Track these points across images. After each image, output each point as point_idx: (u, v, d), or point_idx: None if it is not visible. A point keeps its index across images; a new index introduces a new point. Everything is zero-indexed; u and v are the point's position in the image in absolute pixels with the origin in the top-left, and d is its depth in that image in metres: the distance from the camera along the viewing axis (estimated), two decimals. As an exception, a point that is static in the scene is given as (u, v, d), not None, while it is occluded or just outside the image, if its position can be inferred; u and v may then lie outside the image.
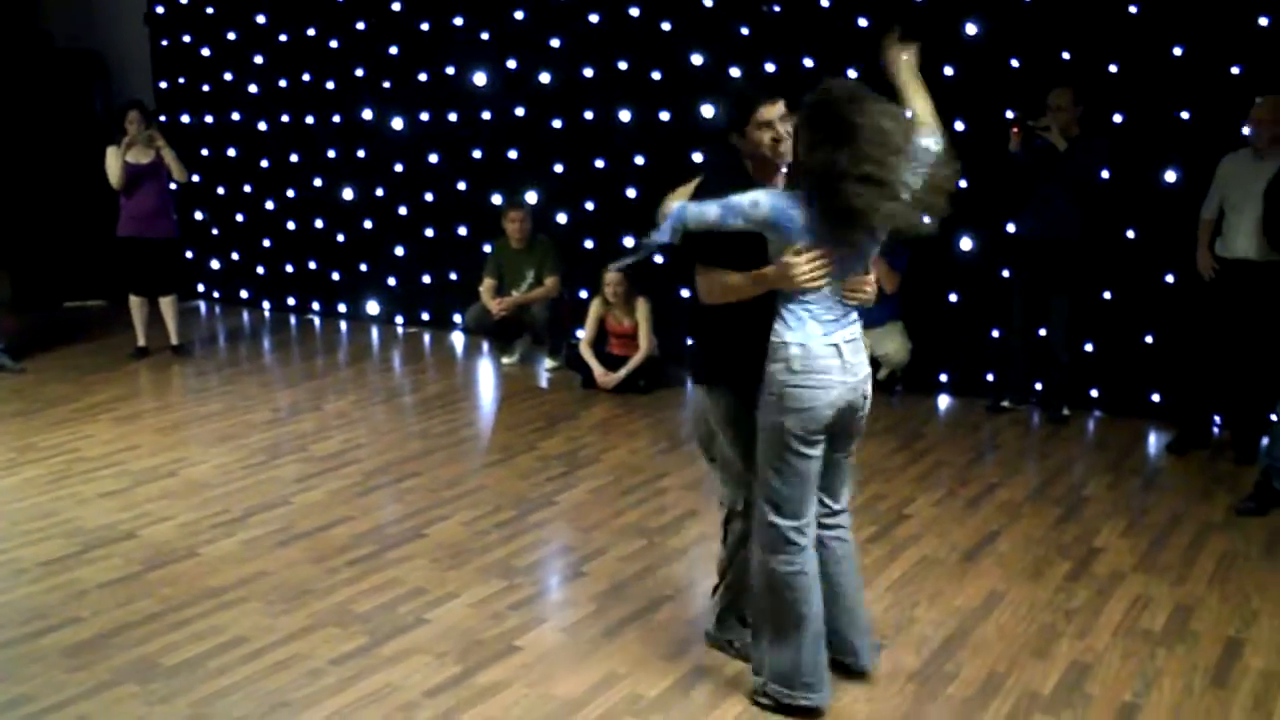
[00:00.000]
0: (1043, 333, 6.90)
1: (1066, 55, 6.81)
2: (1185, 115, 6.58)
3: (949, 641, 4.10)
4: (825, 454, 3.59)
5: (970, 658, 3.99)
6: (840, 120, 3.39)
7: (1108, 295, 6.94)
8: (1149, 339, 6.87)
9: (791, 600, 3.56)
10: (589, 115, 8.39)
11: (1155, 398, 6.90)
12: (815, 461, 3.55)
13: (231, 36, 9.98)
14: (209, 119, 10.28)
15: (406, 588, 4.57)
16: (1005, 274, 7.14)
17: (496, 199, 8.77)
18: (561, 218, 8.61)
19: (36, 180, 10.13)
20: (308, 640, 4.12)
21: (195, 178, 9.78)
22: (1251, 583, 4.62)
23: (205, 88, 10.23)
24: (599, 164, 8.42)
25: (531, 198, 8.58)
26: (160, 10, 10.35)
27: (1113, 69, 6.73)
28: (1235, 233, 5.93)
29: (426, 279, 9.48)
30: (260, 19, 9.79)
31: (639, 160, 8.23)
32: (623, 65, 8.18)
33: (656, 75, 8.06)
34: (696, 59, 7.87)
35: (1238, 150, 6.04)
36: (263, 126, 9.98)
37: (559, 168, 8.61)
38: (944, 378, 7.49)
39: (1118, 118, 6.75)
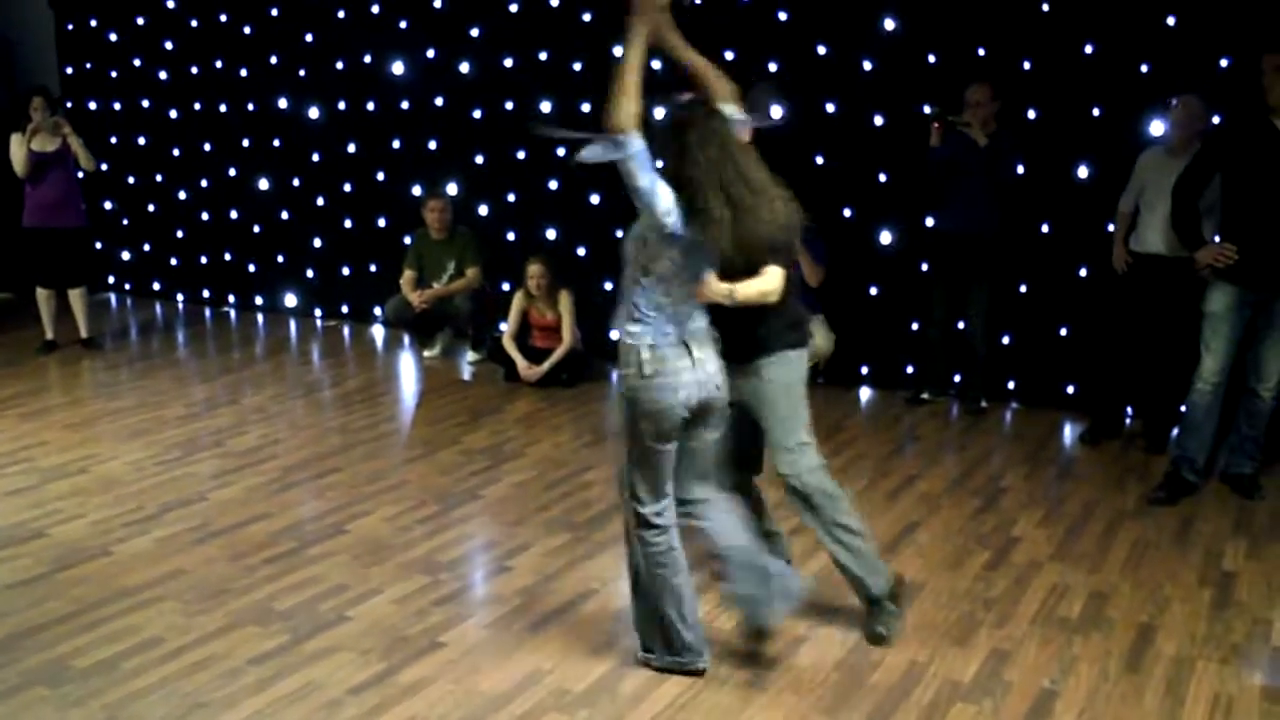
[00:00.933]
0: (961, 326, 7.02)
1: (982, 51, 6.92)
2: (1097, 112, 6.72)
3: (872, 631, 4.15)
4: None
5: (892, 647, 4.03)
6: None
7: (1024, 288, 7.07)
8: (1063, 331, 7.01)
9: (664, 576, 3.74)
10: (509, 105, 8.33)
11: (1070, 389, 7.05)
12: (670, 454, 3.66)
13: (140, 21, 9.73)
14: (117, 106, 10.02)
15: (328, 585, 4.50)
16: (924, 267, 7.24)
17: (416, 190, 8.67)
18: (483, 209, 8.54)
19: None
20: (226, 639, 4.04)
21: (103, 166, 9.54)
22: (1163, 570, 4.74)
23: (113, 73, 9.96)
24: (520, 155, 8.36)
25: (452, 189, 8.50)
26: (66, -8, 10.06)
27: (1026, 65, 6.86)
28: (1147, 228, 6.09)
29: (345, 271, 9.34)
30: (170, 3, 9.55)
31: (560, 151, 8.18)
32: (543, 56, 8.14)
33: (577, 66, 8.03)
34: (617, 50, 7.82)
35: (1156, 146, 6.19)
36: (174, 114, 9.75)
37: (479, 158, 8.53)
38: (864, 370, 7.57)
39: (1032, 114, 6.88)
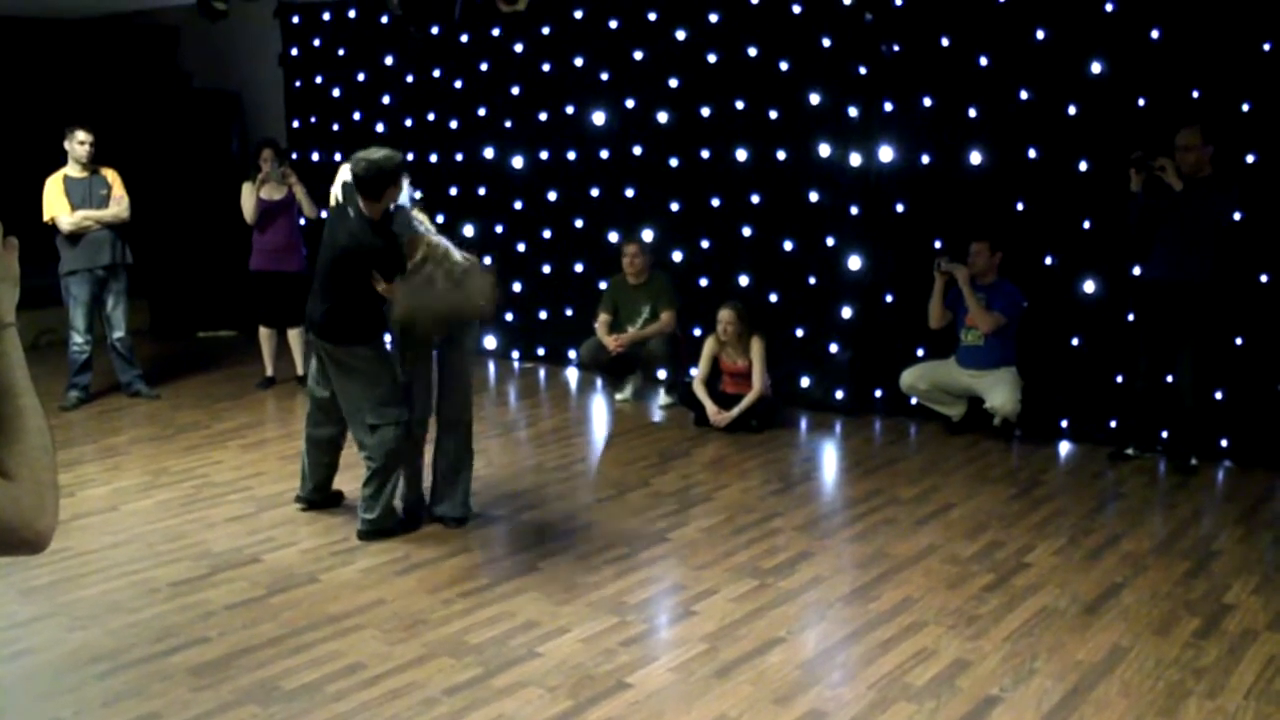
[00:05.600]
0: (1169, 379, 6.70)
1: (1196, 94, 6.65)
2: (1324, 156, 6.37)
3: (1070, 696, 3.98)
4: None
5: (1093, 714, 3.86)
6: None
7: (1239, 341, 6.71)
8: (1283, 388, 6.62)
9: None
10: (706, 154, 8.45)
11: (1290, 449, 6.63)
12: None
13: (361, 77, 10.31)
14: (338, 157, 10.60)
15: (519, 620, 4.62)
16: (1131, 318, 6.97)
17: (613, 236, 8.87)
18: (677, 256, 8.67)
19: (175, 214, 10.57)
20: (423, 669, 4.19)
21: (323, 214, 10.08)
22: (1395, 646, 4.40)
23: (335, 127, 10.57)
24: (715, 202, 8.46)
25: (648, 235, 8.66)
26: (294, 52, 10.76)
27: (1245, 108, 6.55)
28: None
29: (543, 315, 9.61)
30: (389, 60, 10.10)
31: (755, 199, 8.25)
32: (740, 104, 8.23)
33: (774, 114, 8.09)
34: (814, 98, 7.88)
35: None
36: (388, 164, 10.24)
37: (675, 206, 8.67)
38: (1064, 424, 7.31)
39: (1250, 158, 6.56)
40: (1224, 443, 6.82)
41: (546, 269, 9.51)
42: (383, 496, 5.54)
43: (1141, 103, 6.84)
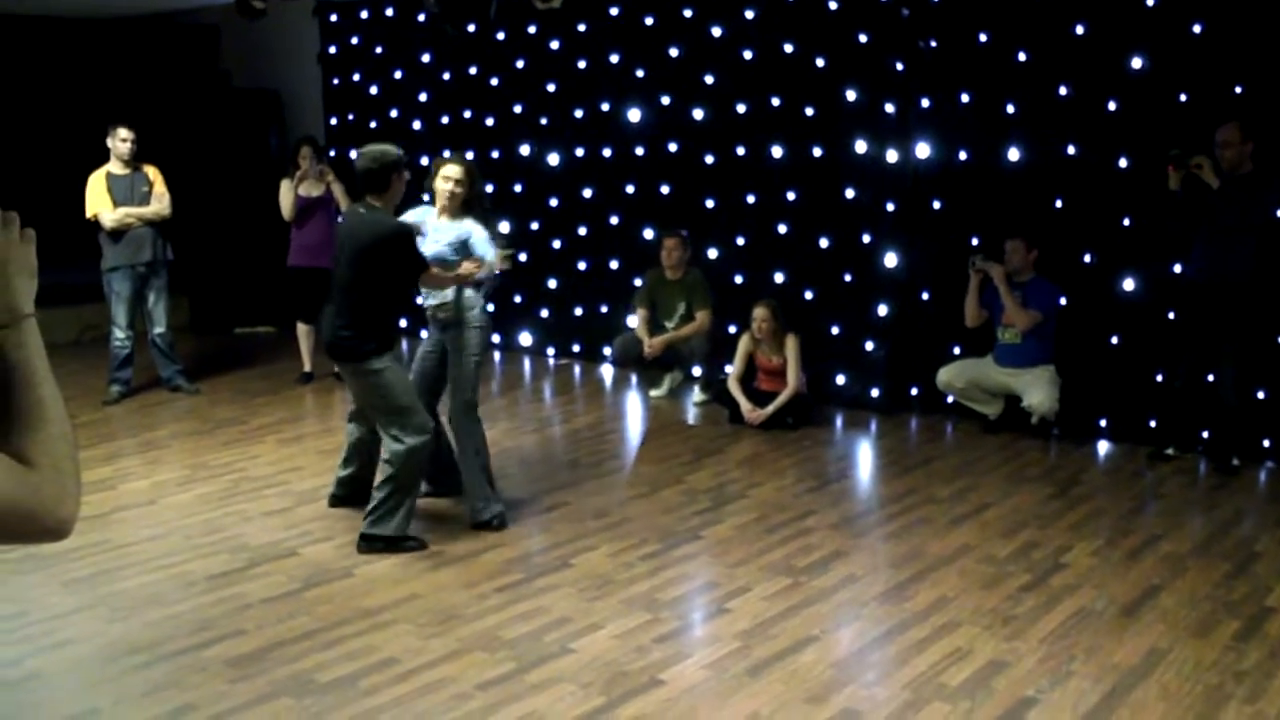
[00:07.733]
0: (1210, 378, 6.62)
1: (1238, 89, 6.55)
2: (1371, 153, 6.26)
3: (1108, 699, 3.94)
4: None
5: (1130, 717, 3.82)
6: None
7: (1283, 340, 6.62)
8: (1328, 387, 6.51)
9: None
10: (741, 150, 8.43)
11: (1335, 449, 6.53)
12: None
13: (398, 75, 10.37)
14: (375, 154, 10.65)
15: (552, 616, 4.62)
16: (1171, 316, 6.88)
17: (649, 233, 8.86)
18: (713, 253, 8.65)
19: (214, 211, 10.67)
20: (456, 664, 4.21)
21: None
22: None
23: (373, 124, 10.62)
24: (751, 199, 8.43)
25: (683, 232, 8.65)
26: (333, 50, 10.83)
27: (1291, 104, 6.46)
28: None
29: (578, 311, 9.62)
30: (425, 58, 10.14)
31: (790, 196, 8.21)
32: (776, 101, 8.20)
33: (809, 111, 8.05)
34: (851, 95, 7.83)
35: None
36: (425, 161, 10.27)
37: (710, 203, 8.65)
38: (1103, 423, 7.23)
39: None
40: (1266, 443, 6.72)
41: (582, 266, 9.52)
42: (399, 511, 5.31)
43: (1183, 98, 6.75)
